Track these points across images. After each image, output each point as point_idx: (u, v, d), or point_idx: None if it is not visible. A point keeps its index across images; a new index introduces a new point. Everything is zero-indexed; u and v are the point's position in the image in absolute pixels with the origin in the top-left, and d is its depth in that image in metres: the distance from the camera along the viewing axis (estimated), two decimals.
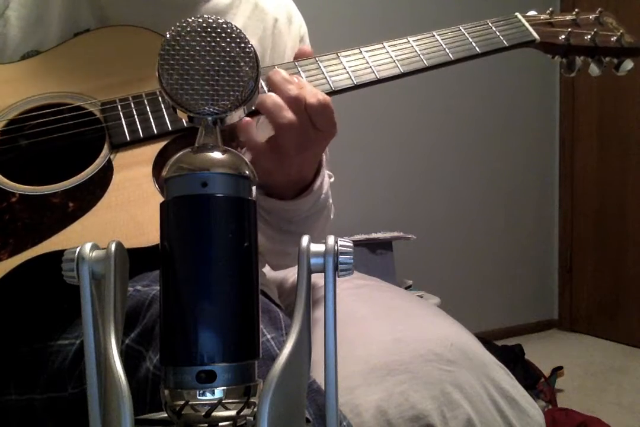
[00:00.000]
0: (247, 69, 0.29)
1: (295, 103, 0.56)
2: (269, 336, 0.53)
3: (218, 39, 0.29)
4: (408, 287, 1.94)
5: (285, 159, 0.59)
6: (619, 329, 2.43)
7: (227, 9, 0.74)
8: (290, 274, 1.06)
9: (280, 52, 0.77)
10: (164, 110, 0.60)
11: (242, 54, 0.29)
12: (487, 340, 1.87)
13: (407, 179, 2.27)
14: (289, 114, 0.56)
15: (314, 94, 0.57)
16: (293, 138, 0.57)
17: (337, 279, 0.28)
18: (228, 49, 0.29)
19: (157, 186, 0.55)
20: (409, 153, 2.26)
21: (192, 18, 0.29)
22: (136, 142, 0.59)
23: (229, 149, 0.29)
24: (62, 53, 0.66)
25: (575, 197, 2.62)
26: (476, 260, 2.45)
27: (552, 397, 1.78)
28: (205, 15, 0.29)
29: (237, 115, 0.30)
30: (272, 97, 0.57)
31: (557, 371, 1.94)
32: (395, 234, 1.96)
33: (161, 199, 0.28)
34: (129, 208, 0.55)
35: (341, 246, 0.28)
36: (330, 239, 0.28)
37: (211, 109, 0.29)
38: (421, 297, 1.81)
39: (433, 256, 2.31)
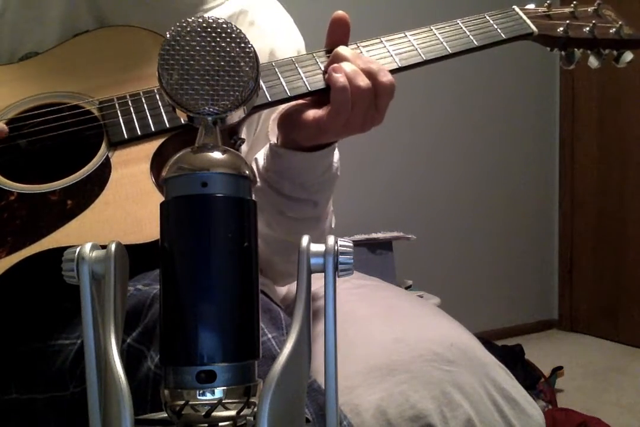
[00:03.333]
0: (247, 69, 0.29)
1: (369, 74, 0.57)
2: (269, 336, 0.53)
3: (218, 39, 0.29)
4: (408, 287, 1.94)
5: (333, 132, 0.59)
6: (619, 329, 2.43)
7: None
8: None
9: None
10: (161, 108, 0.60)
11: (242, 54, 0.29)
12: (487, 340, 1.87)
13: (407, 179, 2.26)
14: (366, 80, 0.56)
15: (385, 73, 0.57)
16: (362, 109, 0.57)
17: (337, 279, 0.28)
18: (228, 49, 0.29)
19: (154, 183, 0.56)
20: (409, 153, 2.26)
21: (192, 18, 0.29)
22: (134, 139, 0.59)
23: (229, 149, 0.29)
24: (61, 53, 0.66)
25: (575, 197, 2.62)
26: (476, 260, 2.45)
27: (552, 397, 1.78)
28: (205, 15, 0.29)
29: (237, 115, 0.30)
30: (350, 64, 0.57)
31: (557, 371, 1.94)
32: (395, 234, 1.96)
33: (159, 195, 0.28)
34: (127, 205, 0.55)
35: (341, 246, 0.28)
36: (330, 239, 0.28)
37: (211, 109, 0.29)
38: (421, 297, 1.81)
39: (433, 256, 2.31)
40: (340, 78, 0.56)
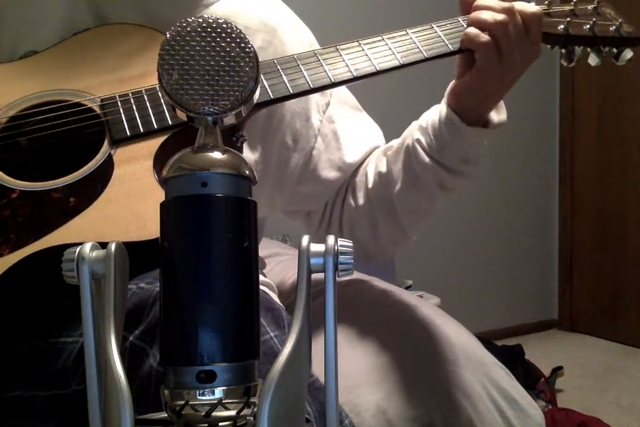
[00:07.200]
0: (247, 69, 0.29)
1: (509, 12, 0.61)
2: (272, 334, 0.53)
3: (218, 39, 0.29)
4: (408, 287, 1.94)
5: (496, 76, 0.65)
6: (619, 329, 2.43)
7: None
8: (288, 276, 1.06)
9: None
10: (163, 105, 0.60)
11: (242, 54, 0.29)
12: (487, 340, 1.87)
13: None
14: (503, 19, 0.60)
15: (527, 6, 0.62)
16: (514, 47, 0.61)
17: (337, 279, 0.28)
18: (228, 49, 0.29)
19: (157, 180, 0.55)
20: None
21: (192, 18, 0.29)
22: (136, 137, 0.59)
23: (229, 149, 0.29)
24: (61, 51, 0.66)
25: (575, 197, 2.62)
26: (476, 260, 2.45)
27: (552, 397, 1.78)
28: (205, 15, 0.29)
29: (236, 115, 0.30)
30: (488, 11, 0.61)
31: (557, 371, 1.94)
32: None
33: (162, 192, 0.28)
34: (129, 202, 0.55)
35: (341, 245, 0.28)
36: (330, 239, 0.28)
37: (211, 109, 0.29)
38: (421, 297, 1.81)
39: (433, 256, 2.31)
40: (480, 16, 0.61)
